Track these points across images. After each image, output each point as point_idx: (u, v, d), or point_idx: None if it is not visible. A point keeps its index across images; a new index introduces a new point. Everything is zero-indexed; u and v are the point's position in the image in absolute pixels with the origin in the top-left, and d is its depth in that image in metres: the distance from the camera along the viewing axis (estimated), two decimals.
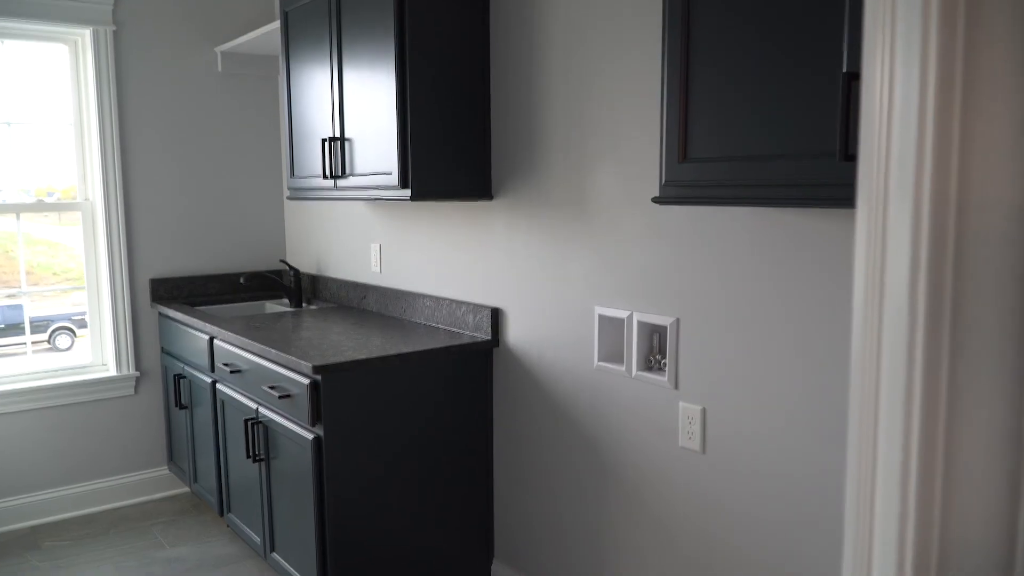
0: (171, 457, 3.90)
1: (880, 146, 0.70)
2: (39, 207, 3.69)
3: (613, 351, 2.38)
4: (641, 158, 2.20)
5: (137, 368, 3.85)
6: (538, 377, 2.65)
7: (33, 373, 3.65)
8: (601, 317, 2.37)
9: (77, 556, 3.29)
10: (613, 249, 2.32)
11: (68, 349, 4.97)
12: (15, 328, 5.34)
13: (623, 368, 2.31)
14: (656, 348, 2.26)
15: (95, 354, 3.82)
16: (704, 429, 2.10)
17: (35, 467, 3.64)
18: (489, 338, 2.79)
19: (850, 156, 1.37)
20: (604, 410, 2.40)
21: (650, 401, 2.24)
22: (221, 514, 3.30)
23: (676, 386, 2.16)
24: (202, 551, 3.33)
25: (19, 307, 5.37)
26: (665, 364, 2.20)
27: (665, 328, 2.19)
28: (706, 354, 2.08)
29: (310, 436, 2.51)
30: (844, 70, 1.38)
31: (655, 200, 1.76)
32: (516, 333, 2.72)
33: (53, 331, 5.27)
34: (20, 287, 3.69)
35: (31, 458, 3.62)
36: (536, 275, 2.61)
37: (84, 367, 3.79)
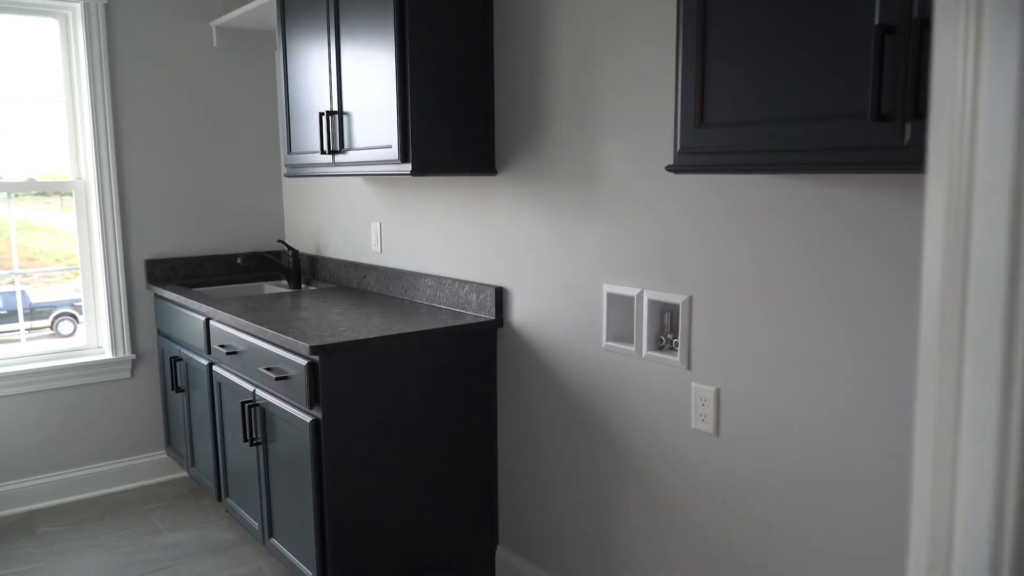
0: (169, 441, 3.83)
1: (962, 106, 0.60)
2: (30, 186, 3.60)
3: (622, 331, 2.28)
4: (653, 126, 2.10)
5: (133, 351, 3.77)
6: (544, 358, 2.56)
7: (28, 356, 3.57)
8: (610, 295, 2.28)
9: (73, 542, 3.22)
10: (622, 224, 2.23)
11: (71, 335, 4.92)
12: (15, 314, 5.28)
13: (633, 348, 2.22)
14: (668, 327, 2.17)
15: (90, 337, 3.74)
16: (718, 411, 2.01)
17: (31, 452, 3.56)
18: (493, 318, 2.70)
19: (882, 116, 1.27)
20: (613, 392, 2.31)
21: (661, 382, 2.16)
22: (219, 499, 3.23)
23: (689, 366, 2.07)
24: (200, 536, 3.25)
25: (22, 293, 5.31)
26: (677, 344, 2.11)
27: (677, 306, 2.10)
28: (721, 333, 1.99)
29: (308, 419, 2.43)
30: (876, 22, 1.27)
31: (669, 169, 1.66)
32: (521, 313, 2.63)
33: (56, 317, 5.23)
34: (12, 269, 3.60)
35: (26, 442, 3.55)
36: (542, 252, 2.52)
37: (79, 350, 3.71)
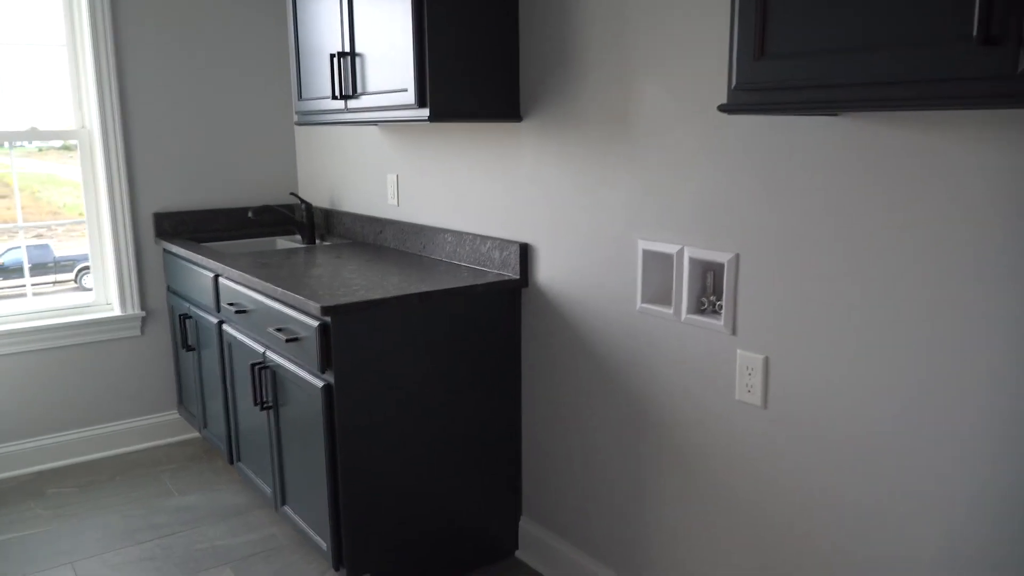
0: (181, 401, 3.71)
1: None
2: (32, 135, 3.43)
3: (659, 291, 2.09)
4: (697, 62, 1.88)
5: (143, 307, 3.64)
6: (572, 320, 2.37)
7: (35, 313, 3.44)
8: (646, 253, 2.09)
9: (81, 504, 3.12)
10: (661, 174, 2.02)
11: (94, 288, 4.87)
12: (41, 268, 5.21)
13: (671, 311, 2.03)
14: (710, 288, 1.97)
15: (98, 293, 3.60)
16: (766, 381, 1.82)
17: (39, 411, 3.45)
18: (517, 276, 2.52)
19: (991, 39, 1.06)
20: (647, 358, 2.13)
21: (702, 348, 1.97)
22: (231, 462, 3.11)
23: (734, 332, 1.88)
24: (212, 500, 3.14)
25: (46, 247, 5.23)
26: (721, 307, 1.92)
27: (722, 265, 1.90)
28: (771, 296, 1.79)
29: (319, 384, 2.27)
30: None
31: (722, 109, 1.45)
32: (547, 271, 2.44)
33: (79, 270, 5.16)
34: (16, 222, 3.45)
35: (34, 402, 3.44)
36: (570, 206, 2.32)
37: (88, 307, 3.57)
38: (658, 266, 2.08)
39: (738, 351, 1.88)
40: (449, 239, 2.82)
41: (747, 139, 1.79)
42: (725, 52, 1.80)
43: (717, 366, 1.94)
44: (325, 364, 2.25)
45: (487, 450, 2.58)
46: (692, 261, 1.96)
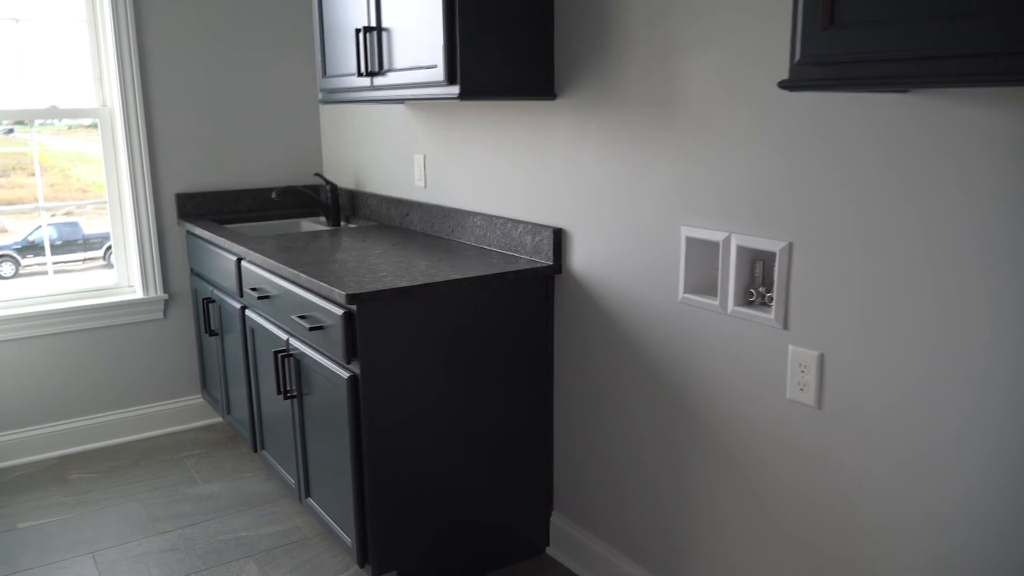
0: (204, 385, 3.65)
1: None
2: (52, 113, 3.36)
3: (703, 281, 1.97)
4: (753, 35, 1.74)
5: (166, 290, 3.57)
6: (608, 309, 2.26)
7: (57, 295, 3.39)
8: (689, 240, 1.96)
9: (104, 491, 3.07)
10: (707, 155, 1.89)
11: None
12: (71, 245, 5.18)
13: (716, 302, 1.91)
14: (759, 279, 1.84)
15: (121, 275, 3.54)
16: (821, 379, 1.69)
17: (62, 395, 3.41)
18: (550, 263, 2.40)
19: None
20: (690, 351, 2.01)
21: (750, 343, 1.84)
22: (255, 450, 3.04)
23: (785, 326, 1.75)
24: (236, 488, 3.08)
25: (75, 224, 5.21)
26: (771, 299, 1.79)
27: (773, 255, 1.77)
28: (828, 288, 1.66)
29: (345, 375, 2.18)
30: None
31: (784, 85, 1.32)
32: (582, 257, 2.32)
33: (108, 248, 5.15)
34: (38, 203, 3.39)
35: (58, 385, 3.39)
36: (607, 189, 2.19)
37: (110, 289, 3.51)
38: (702, 254, 1.96)
39: (790, 347, 1.75)
40: (479, 223, 2.70)
41: (804, 118, 1.65)
42: (784, 22, 1.66)
43: (766, 362, 1.81)
44: (350, 354, 2.16)
45: (517, 444, 2.48)
46: (740, 250, 1.83)
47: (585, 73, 2.21)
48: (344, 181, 3.67)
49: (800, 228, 1.69)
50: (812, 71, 1.28)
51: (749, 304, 1.85)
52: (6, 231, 5.17)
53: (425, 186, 3.03)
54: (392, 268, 2.37)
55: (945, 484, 1.50)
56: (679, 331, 2.03)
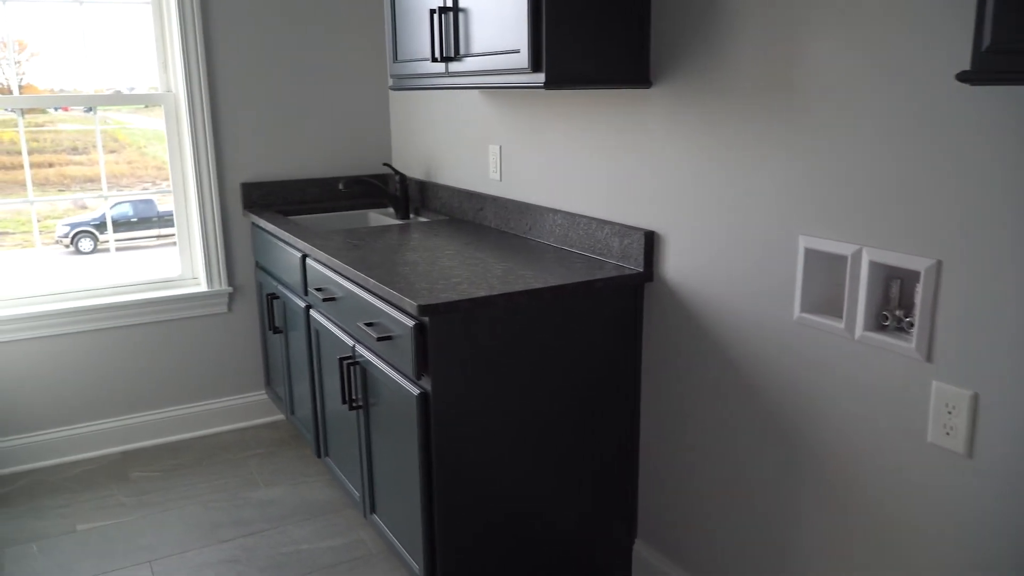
0: (268, 381, 3.53)
1: None
2: (117, 99, 3.26)
3: (825, 300, 1.71)
4: (911, 14, 1.48)
5: (230, 283, 3.45)
6: (706, 324, 2.02)
7: (121, 287, 3.30)
8: (808, 252, 1.70)
9: (165, 492, 2.97)
10: (834, 155, 1.63)
11: None
12: (146, 222, 5.18)
13: (840, 325, 1.65)
14: (895, 301, 1.58)
15: (185, 267, 3.43)
16: (973, 423, 1.43)
17: (126, 389, 3.33)
18: (640, 269, 2.17)
19: None
20: (806, 378, 1.76)
21: (882, 375, 1.59)
22: (318, 455, 2.90)
23: (929, 358, 1.49)
24: (298, 494, 2.94)
25: (150, 202, 5.21)
26: (912, 325, 1.53)
27: (916, 274, 1.50)
28: (985, 316, 1.39)
29: (415, 391, 1.99)
30: None
31: (964, 78, 1.06)
32: (677, 265, 2.09)
33: None
34: (101, 190, 3.30)
35: (121, 379, 3.31)
36: (709, 189, 1.95)
37: (173, 281, 3.41)
38: (824, 268, 1.70)
39: (934, 383, 1.49)
40: (559, 221, 2.48)
41: (967, 114, 1.38)
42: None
43: (903, 398, 1.55)
44: (421, 369, 1.97)
45: (599, 468, 2.26)
46: (873, 266, 1.57)
47: (686, 57, 1.96)
48: (414, 171, 3.48)
49: (953, 244, 1.43)
50: (1005, 61, 1.02)
51: (882, 329, 1.59)
52: (86, 207, 5.19)
53: (500, 179, 2.82)
54: (466, 272, 2.17)
55: None
56: (793, 355, 1.78)
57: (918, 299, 1.50)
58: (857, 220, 1.60)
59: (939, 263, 1.46)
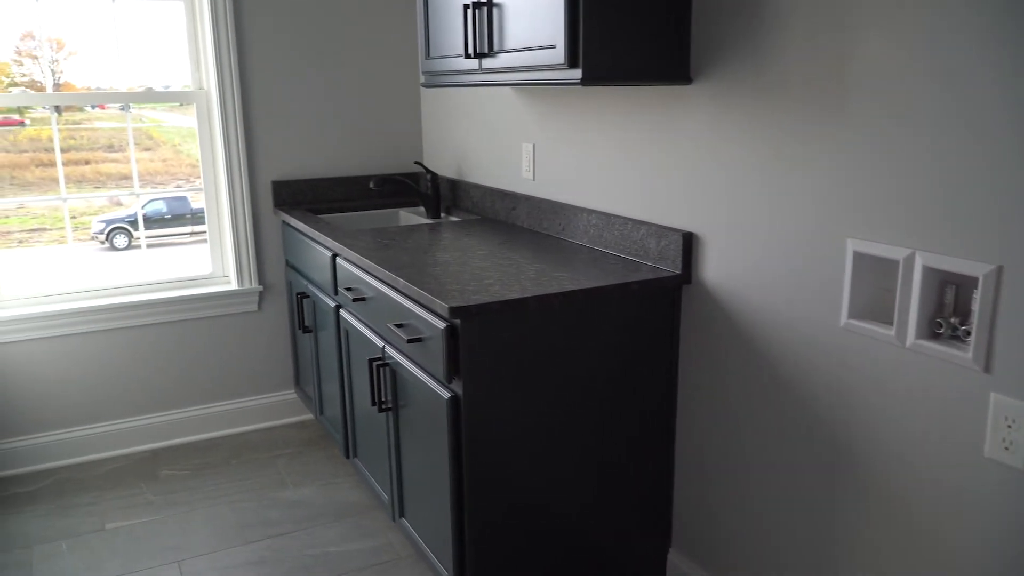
0: (298, 381, 3.51)
1: None
2: (149, 96, 3.25)
3: (873, 306, 1.64)
4: (953, 7, 1.40)
5: (260, 282, 3.44)
6: (746, 329, 1.95)
7: (151, 285, 3.30)
8: (857, 255, 1.63)
9: (194, 491, 2.96)
10: (888, 153, 1.55)
11: None
12: (180, 219, 5.21)
13: (891, 332, 1.58)
14: (950, 308, 1.51)
15: (215, 265, 3.42)
16: None
17: (155, 387, 3.33)
18: (678, 272, 2.10)
19: None
20: (853, 386, 1.69)
21: (935, 385, 1.51)
22: (347, 456, 2.87)
23: (987, 368, 1.42)
24: (327, 495, 2.92)
25: (184, 199, 5.24)
26: (968, 334, 1.45)
27: (974, 280, 1.43)
28: None
29: (446, 395, 1.95)
30: None
31: None
32: (717, 268, 2.02)
33: None
34: (133, 187, 3.30)
35: (151, 377, 3.31)
36: (751, 189, 1.88)
37: (204, 278, 3.40)
38: (874, 273, 1.63)
39: (992, 395, 1.41)
40: (594, 221, 2.43)
41: None
42: None
43: (958, 410, 1.48)
44: (452, 373, 1.92)
45: (633, 476, 2.21)
46: (927, 271, 1.50)
47: (728, 53, 1.90)
48: (445, 170, 3.44)
49: (1015, 249, 1.35)
50: None
51: (935, 338, 1.52)
52: (121, 204, 5.23)
53: (533, 178, 2.77)
54: (498, 274, 2.12)
55: None
56: (839, 362, 1.71)
57: (975, 306, 1.42)
58: (910, 223, 1.52)
59: (999, 268, 1.38)
